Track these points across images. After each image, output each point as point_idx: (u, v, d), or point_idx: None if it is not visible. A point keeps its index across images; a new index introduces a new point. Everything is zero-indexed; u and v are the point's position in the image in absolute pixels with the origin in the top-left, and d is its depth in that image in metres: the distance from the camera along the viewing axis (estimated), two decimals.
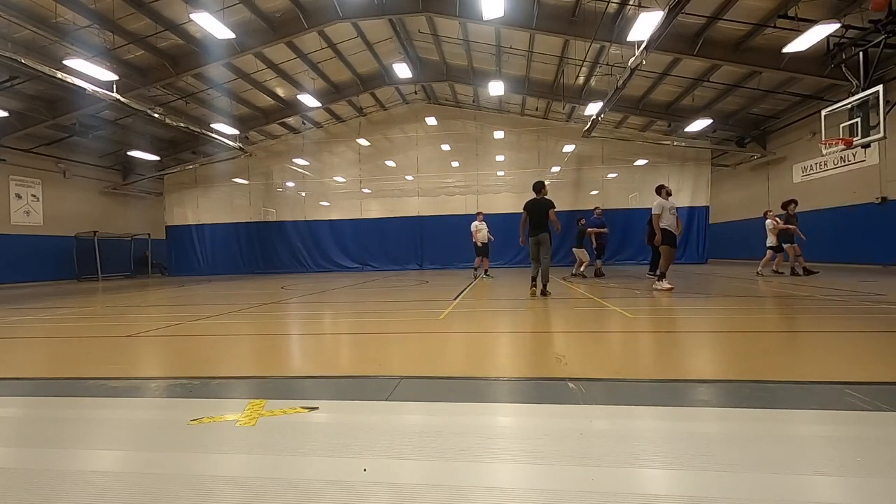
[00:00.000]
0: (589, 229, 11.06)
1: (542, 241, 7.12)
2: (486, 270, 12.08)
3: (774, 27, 9.81)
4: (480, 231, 11.81)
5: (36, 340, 4.52)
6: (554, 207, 7.23)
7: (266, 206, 20.51)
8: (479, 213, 12.23)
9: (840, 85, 11.13)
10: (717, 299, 6.41)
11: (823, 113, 10.54)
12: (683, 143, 17.14)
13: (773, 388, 2.22)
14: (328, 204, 20.11)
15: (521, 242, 7.62)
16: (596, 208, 12.00)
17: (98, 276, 17.56)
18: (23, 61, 9.57)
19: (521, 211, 7.39)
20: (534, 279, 7.12)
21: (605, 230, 11.22)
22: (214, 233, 20.67)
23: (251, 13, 11.57)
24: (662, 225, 7.71)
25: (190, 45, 12.46)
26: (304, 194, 20.27)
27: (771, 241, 10.27)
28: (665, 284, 7.29)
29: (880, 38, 9.10)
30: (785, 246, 9.92)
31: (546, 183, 7.67)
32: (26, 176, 15.91)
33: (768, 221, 10.20)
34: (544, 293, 6.89)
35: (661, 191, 8.17)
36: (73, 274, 17.18)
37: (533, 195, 7.34)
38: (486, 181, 19.33)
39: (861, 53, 9.72)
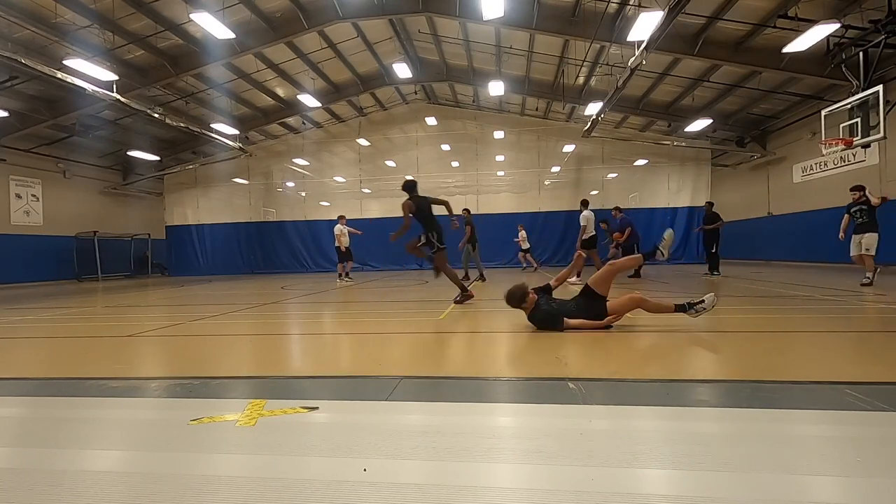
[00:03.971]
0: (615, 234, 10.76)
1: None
2: (347, 273, 12.09)
3: (774, 27, 9.80)
4: (344, 235, 11.77)
5: (36, 340, 4.52)
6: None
7: (266, 206, 20.51)
8: (341, 217, 12.13)
9: (840, 85, 11.12)
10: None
11: (823, 113, 10.53)
12: (683, 143, 17.14)
13: (773, 388, 2.22)
14: (328, 204, 20.11)
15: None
16: (615, 209, 11.50)
17: (98, 276, 17.55)
18: (23, 61, 9.56)
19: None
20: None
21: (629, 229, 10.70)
22: (214, 233, 20.67)
23: (251, 13, 11.56)
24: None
25: (190, 45, 12.45)
26: (304, 194, 20.27)
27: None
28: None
29: (880, 38, 9.10)
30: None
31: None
32: (26, 176, 15.89)
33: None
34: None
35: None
36: (73, 274, 17.17)
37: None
38: (486, 181, 19.34)
39: (861, 53, 9.72)
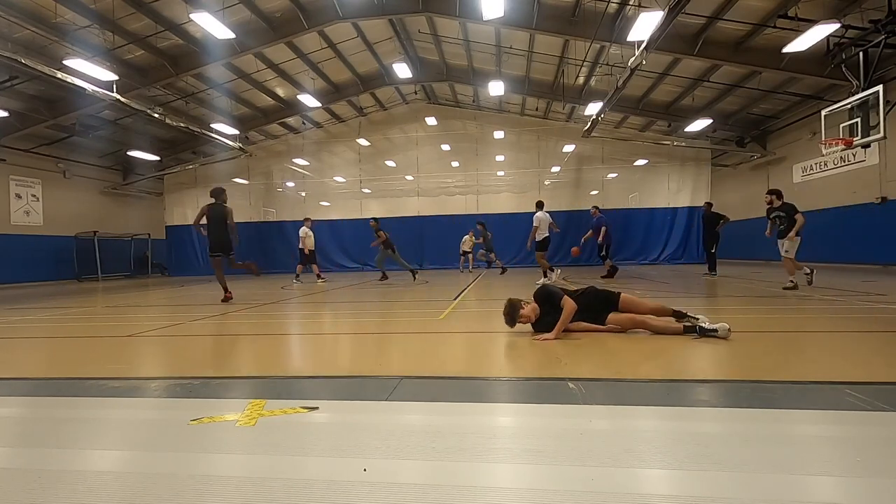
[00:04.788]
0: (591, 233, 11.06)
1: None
2: (297, 276, 12.10)
3: (774, 27, 9.80)
4: (309, 237, 11.82)
5: (36, 340, 4.52)
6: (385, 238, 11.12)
7: (266, 206, 20.51)
8: (307, 219, 12.18)
9: (840, 85, 11.12)
10: (716, 299, 6.42)
11: (823, 113, 10.53)
12: (683, 143, 17.14)
13: (773, 388, 2.22)
14: (328, 204, 20.11)
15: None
16: (594, 208, 11.87)
17: (98, 276, 17.55)
18: (23, 61, 9.55)
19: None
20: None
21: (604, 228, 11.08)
22: None
23: (251, 13, 11.56)
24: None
25: (190, 45, 12.45)
26: (304, 194, 20.27)
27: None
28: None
29: (880, 38, 9.09)
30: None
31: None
32: (26, 176, 15.89)
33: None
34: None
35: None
36: (73, 274, 17.17)
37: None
38: (486, 181, 19.34)
39: (861, 53, 9.71)
